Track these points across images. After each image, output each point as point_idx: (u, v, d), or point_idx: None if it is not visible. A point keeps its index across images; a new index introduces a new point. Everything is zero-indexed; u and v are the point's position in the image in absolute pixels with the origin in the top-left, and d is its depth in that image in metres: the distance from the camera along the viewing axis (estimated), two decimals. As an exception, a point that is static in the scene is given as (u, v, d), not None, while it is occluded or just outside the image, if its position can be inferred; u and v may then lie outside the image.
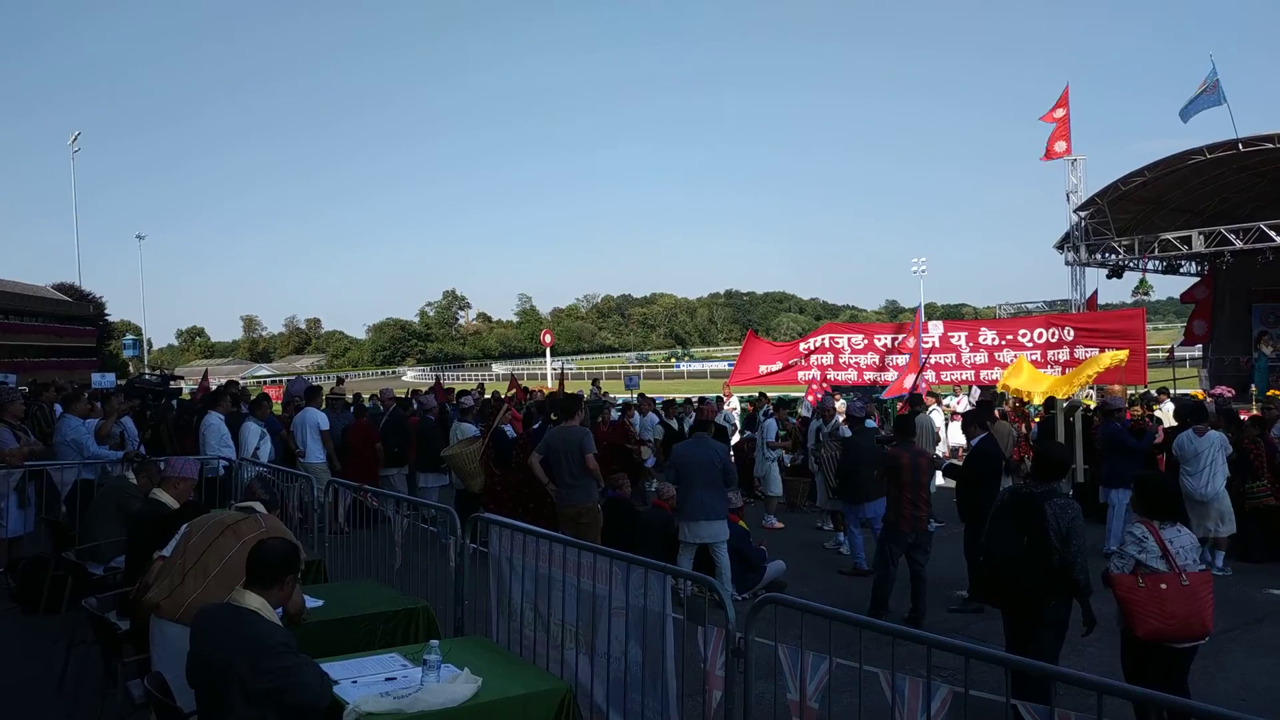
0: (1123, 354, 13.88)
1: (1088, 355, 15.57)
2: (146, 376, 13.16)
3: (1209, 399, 15.58)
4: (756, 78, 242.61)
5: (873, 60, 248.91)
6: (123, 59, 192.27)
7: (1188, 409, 10.60)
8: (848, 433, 11.56)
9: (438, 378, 35.84)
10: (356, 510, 6.98)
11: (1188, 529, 4.98)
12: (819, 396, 14.12)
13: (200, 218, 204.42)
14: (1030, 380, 13.34)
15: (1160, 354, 24.77)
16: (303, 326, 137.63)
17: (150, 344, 77.53)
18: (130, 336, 62.09)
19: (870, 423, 10.86)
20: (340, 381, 15.06)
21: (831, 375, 17.35)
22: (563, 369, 25.90)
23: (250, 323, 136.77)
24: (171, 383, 13.64)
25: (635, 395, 16.13)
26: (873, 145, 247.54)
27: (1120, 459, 9.96)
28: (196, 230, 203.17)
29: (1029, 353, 16.34)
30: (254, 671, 3.22)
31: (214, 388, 13.72)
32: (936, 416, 14.95)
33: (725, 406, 17.07)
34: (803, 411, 15.45)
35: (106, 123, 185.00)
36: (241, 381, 21.30)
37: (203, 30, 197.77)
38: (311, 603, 4.84)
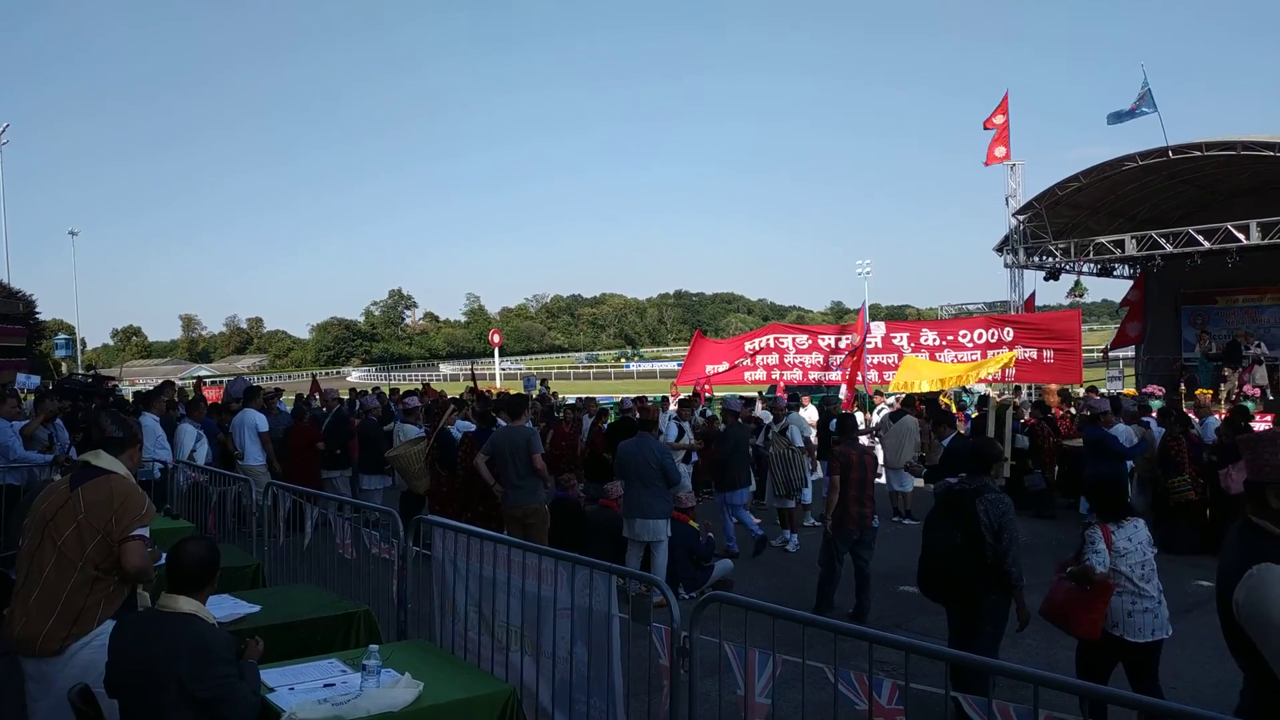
0: (1011, 355, 15.03)
1: (1026, 355, 15.98)
2: (78, 377, 12.72)
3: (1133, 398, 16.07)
4: (705, 82, 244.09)
5: (819, 66, 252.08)
6: (52, 47, 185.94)
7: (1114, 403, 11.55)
8: (797, 432, 11.70)
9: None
10: (296, 514, 6.83)
11: (1143, 522, 5.13)
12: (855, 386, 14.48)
13: (137, 214, 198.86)
14: (914, 373, 15.02)
15: (1095, 354, 25.45)
16: (244, 326, 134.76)
17: (84, 344, 75.20)
18: (63, 336, 60.09)
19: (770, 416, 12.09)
20: (278, 393, 14.79)
21: (777, 375, 17.52)
22: (539, 387, 24.60)
23: (189, 322, 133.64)
24: (107, 383, 13.19)
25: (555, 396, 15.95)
26: (819, 150, 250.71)
27: (1106, 465, 9.52)
28: (133, 227, 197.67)
29: (969, 353, 16.70)
30: (198, 676, 3.13)
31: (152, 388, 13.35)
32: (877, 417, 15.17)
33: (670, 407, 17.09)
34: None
35: (35, 114, 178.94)
36: (179, 383, 20.71)
37: (140, 18, 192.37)
38: (248, 608, 4.73)
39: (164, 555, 3.67)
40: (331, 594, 5.61)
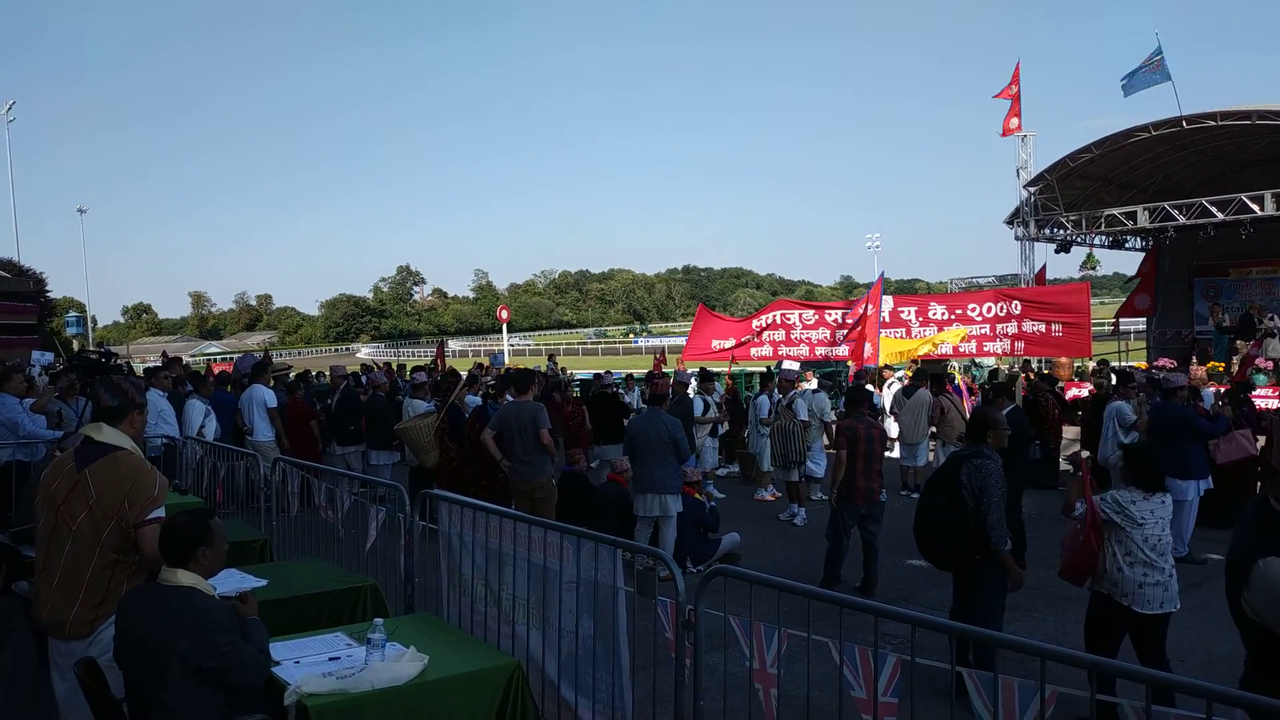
0: (962, 331, 15.25)
1: (1034, 329, 15.88)
2: (88, 353, 12.74)
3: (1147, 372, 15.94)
4: (714, 62, 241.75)
5: (828, 42, 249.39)
6: (57, 25, 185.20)
7: (1120, 378, 11.13)
8: (803, 406, 11.67)
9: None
10: (304, 489, 6.85)
11: (1170, 499, 5.12)
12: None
13: (145, 192, 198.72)
14: (893, 352, 15.66)
15: (1107, 327, 25.28)
16: (253, 303, 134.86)
17: (95, 321, 75.43)
18: (74, 314, 60.33)
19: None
20: (287, 369, 14.85)
21: (784, 351, 17.46)
22: (664, 349, 24.06)
23: (199, 299, 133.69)
24: (115, 359, 13.21)
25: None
26: (828, 124, 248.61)
27: (1186, 445, 8.78)
28: (142, 204, 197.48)
29: (978, 326, 16.60)
30: (199, 648, 3.15)
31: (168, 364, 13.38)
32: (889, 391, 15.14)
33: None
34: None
35: (41, 91, 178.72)
36: (189, 359, 20.80)
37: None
38: (255, 582, 4.75)
39: None
40: (338, 568, 5.63)
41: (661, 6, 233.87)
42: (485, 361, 20.26)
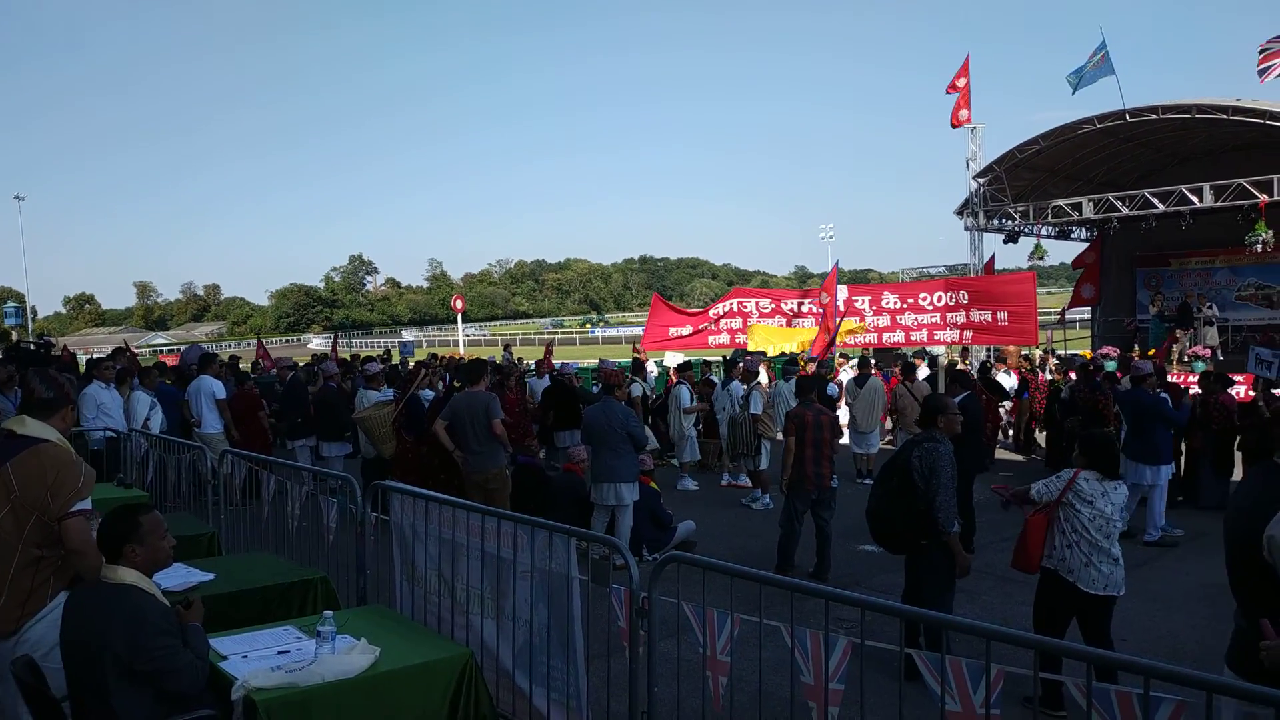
0: (850, 323, 15.79)
1: (981, 318, 16.18)
2: (26, 344, 12.38)
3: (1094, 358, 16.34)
4: (669, 47, 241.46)
5: (780, 36, 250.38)
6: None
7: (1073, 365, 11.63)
8: (758, 399, 11.77)
9: (334, 338, 34.14)
10: (252, 481, 6.73)
11: (1124, 485, 5.24)
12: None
13: (87, 179, 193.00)
14: (765, 339, 15.99)
15: (1054, 316, 25.81)
16: (200, 293, 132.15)
17: (35, 312, 73.32)
18: (12, 304, 58.66)
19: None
20: (235, 360, 14.64)
21: (741, 339, 17.57)
22: (554, 341, 24.74)
23: (144, 289, 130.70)
24: (52, 350, 12.86)
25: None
26: (782, 116, 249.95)
27: (1155, 431, 8.98)
28: (84, 192, 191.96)
29: (929, 314, 16.87)
30: (133, 650, 3.08)
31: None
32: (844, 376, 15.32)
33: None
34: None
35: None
36: (135, 350, 20.27)
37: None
38: (202, 576, 4.66)
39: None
40: (289, 561, 5.55)
41: (616, 11, 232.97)
42: (446, 353, 20.09)
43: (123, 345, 16.80)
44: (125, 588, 3.21)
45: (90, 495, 3.67)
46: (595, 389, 12.93)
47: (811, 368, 13.79)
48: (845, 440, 12.67)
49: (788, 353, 16.22)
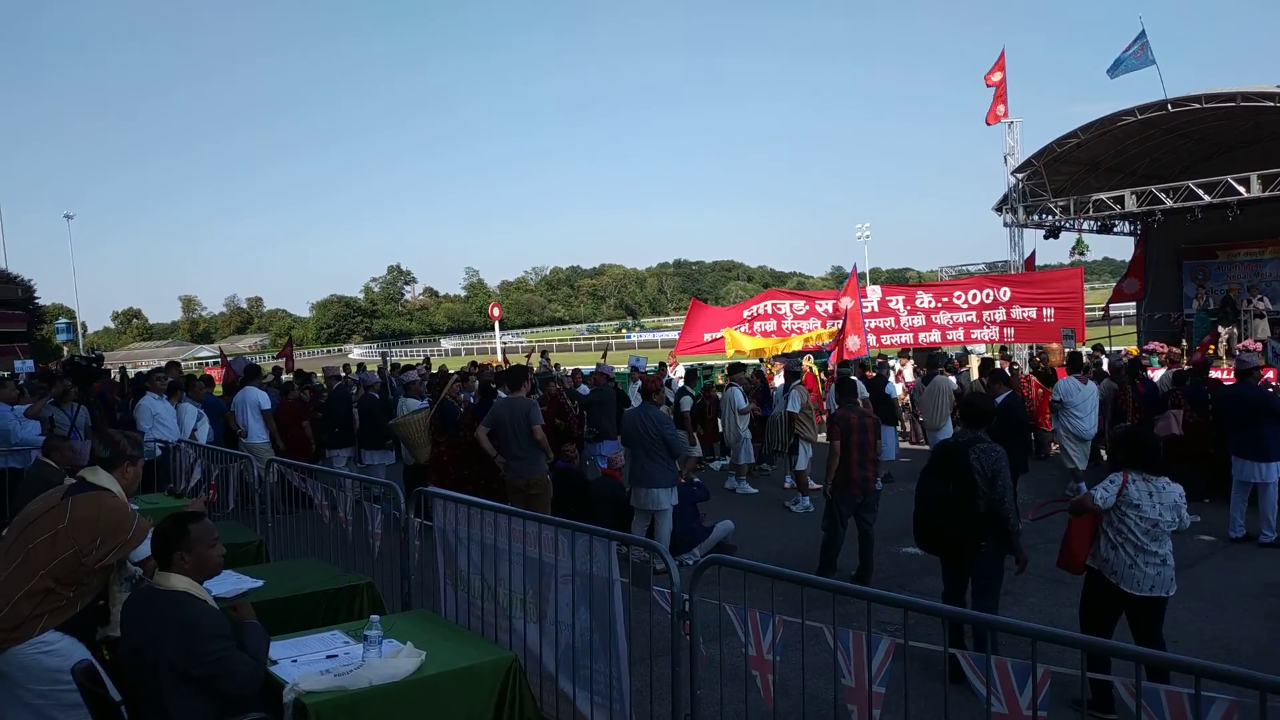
0: (822, 331, 15.61)
1: (1025, 315, 15.94)
2: (78, 359, 12.70)
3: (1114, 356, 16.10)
4: (702, 51, 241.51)
5: (816, 32, 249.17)
6: (44, 23, 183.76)
7: (1071, 359, 11.46)
8: (796, 397, 11.73)
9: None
10: (296, 490, 6.85)
11: (1174, 484, 5.06)
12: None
13: (133, 196, 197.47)
14: (736, 344, 16.00)
15: (1096, 313, 25.37)
16: (244, 306, 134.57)
17: (85, 327, 75.11)
18: (63, 320, 60.12)
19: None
20: (277, 372, 14.91)
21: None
22: (534, 347, 25.80)
23: (189, 303, 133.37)
24: (98, 364, 13.19)
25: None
26: (816, 114, 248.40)
27: (1263, 426, 8.61)
28: (130, 209, 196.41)
29: (965, 313, 16.67)
30: (186, 656, 3.15)
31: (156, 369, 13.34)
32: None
33: (671, 374, 17.23)
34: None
35: (25, 96, 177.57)
36: (182, 363, 20.71)
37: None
38: (251, 583, 4.75)
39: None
40: (335, 567, 5.64)
41: (648, 11, 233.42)
42: (482, 360, 20.32)
43: (174, 361, 17.19)
44: (177, 594, 3.29)
45: (141, 543, 3.81)
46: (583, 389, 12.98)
47: (778, 366, 13.99)
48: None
49: (762, 358, 16.23)
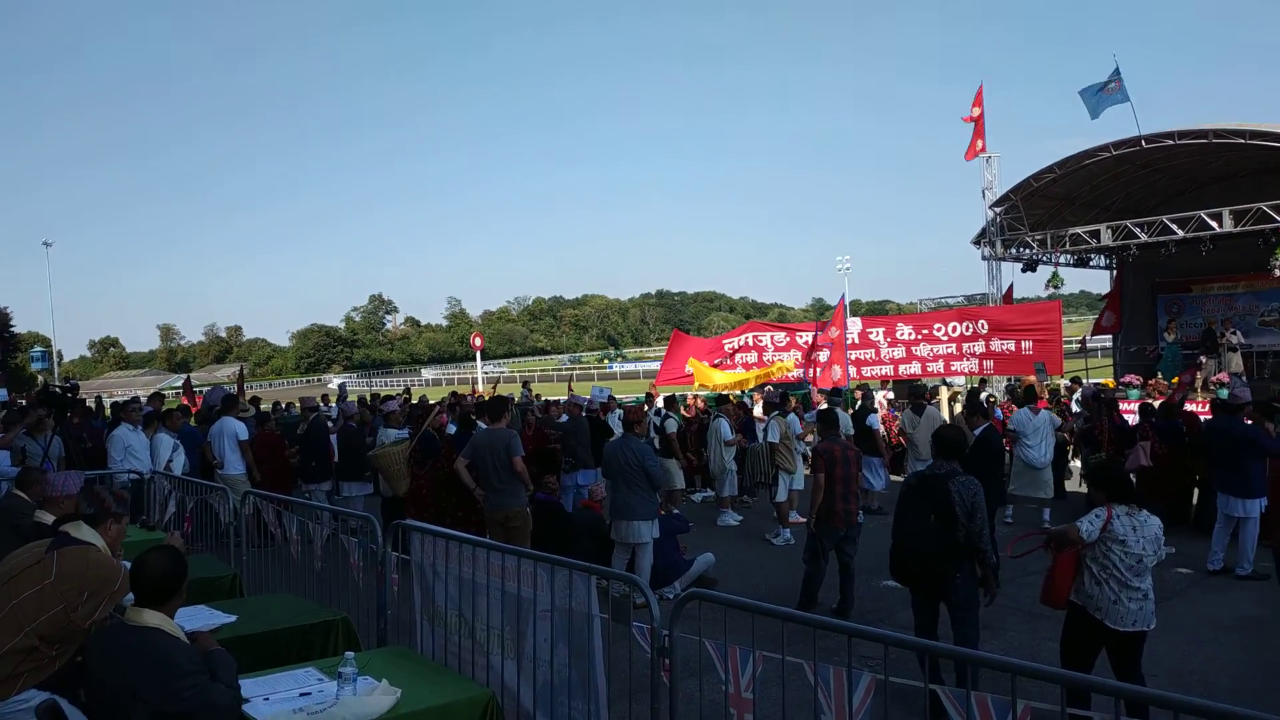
0: (784, 364, 15.65)
1: (1004, 348, 16.09)
2: (54, 388, 12.52)
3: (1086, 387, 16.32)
4: (681, 82, 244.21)
5: (796, 67, 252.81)
6: (20, 54, 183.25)
7: (1025, 392, 11.97)
8: (775, 427, 11.73)
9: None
10: (276, 523, 6.76)
11: (1153, 516, 5.09)
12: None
13: (112, 223, 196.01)
14: (703, 377, 16.27)
15: (1074, 345, 25.65)
16: (223, 335, 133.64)
17: (60, 356, 74.28)
18: (39, 348, 59.47)
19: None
20: (255, 402, 14.80)
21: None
22: (498, 377, 26.10)
23: (167, 332, 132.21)
24: (74, 393, 13.01)
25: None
26: (797, 147, 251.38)
27: (1248, 462, 8.61)
28: (108, 236, 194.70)
29: (945, 345, 16.81)
30: (164, 695, 3.09)
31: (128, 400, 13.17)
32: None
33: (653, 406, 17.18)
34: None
35: (5, 121, 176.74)
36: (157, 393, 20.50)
37: (110, 22, 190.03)
38: (223, 618, 4.67)
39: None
40: (310, 602, 5.55)
41: (629, 33, 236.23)
42: (463, 390, 20.27)
43: (158, 393, 17.04)
44: (149, 631, 3.22)
45: (126, 594, 3.70)
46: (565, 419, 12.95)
47: (758, 397, 14.08)
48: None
49: (730, 391, 16.36)
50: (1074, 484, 13.24)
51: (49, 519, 4.89)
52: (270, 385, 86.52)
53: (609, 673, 4.15)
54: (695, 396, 16.82)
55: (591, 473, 11.58)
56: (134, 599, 3.31)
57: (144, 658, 3.14)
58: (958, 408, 16.96)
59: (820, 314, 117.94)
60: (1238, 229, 17.54)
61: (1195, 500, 10.99)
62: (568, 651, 4.16)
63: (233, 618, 4.75)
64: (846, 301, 17.62)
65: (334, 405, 15.91)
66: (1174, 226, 18.48)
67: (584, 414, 12.77)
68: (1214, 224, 17.85)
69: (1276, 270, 16.96)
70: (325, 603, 5.59)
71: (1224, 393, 13.90)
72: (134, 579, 3.33)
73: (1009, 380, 18.88)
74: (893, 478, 13.48)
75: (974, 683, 5.06)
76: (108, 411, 14.38)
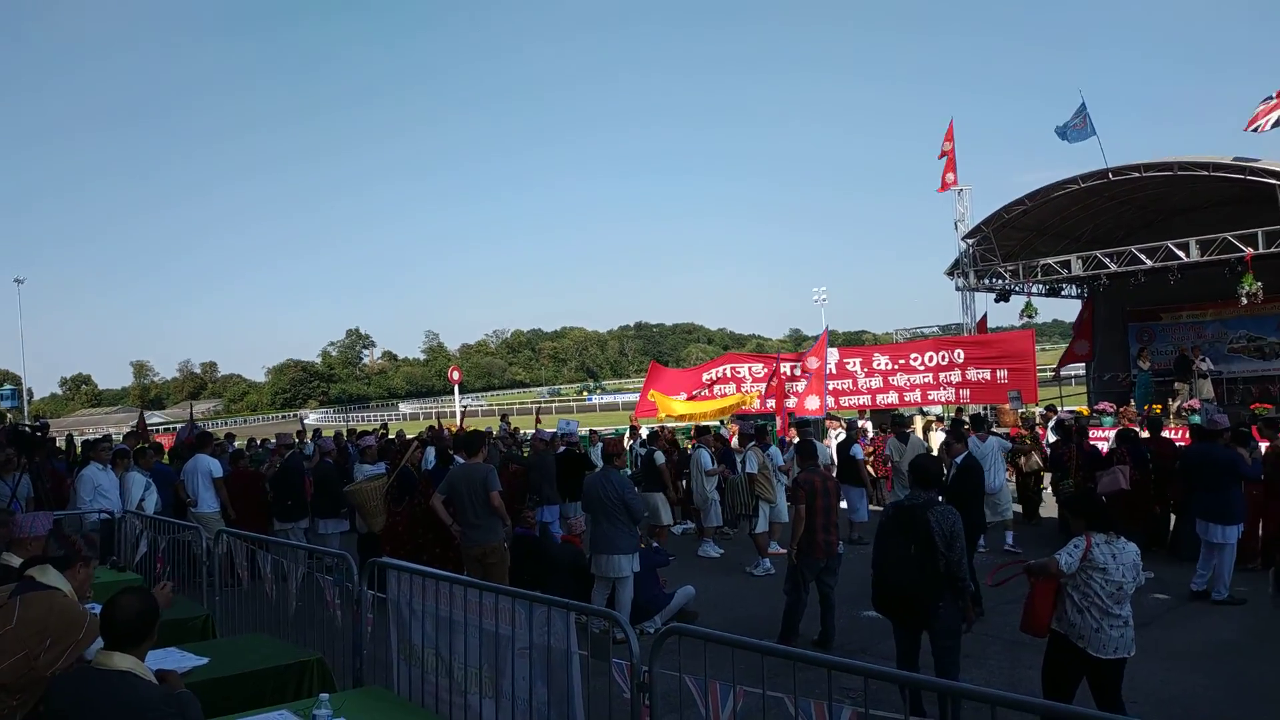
0: (738, 397, 16.64)
1: (979, 377, 16.23)
2: (22, 426, 12.33)
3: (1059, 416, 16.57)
4: (657, 113, 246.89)
5: (769, 101, 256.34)
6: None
7: (974, 420, 12.58)
8: (753, 459, 11.74)
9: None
10: (249, 562, 6.67)
11: (1130, 543, 5.13)
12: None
13: (83, 259, 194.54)
14: (665, 408, 16.58)
15: (1047, 373, 25.91)
16: (197, 371, 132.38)
17: (31, 393, 73.26)
18: (8, 386, 58.68)
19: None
20: (230, 439, 14.66)
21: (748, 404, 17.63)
22: (465, 408, 26.04)
23: (141, 368, 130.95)
24: (43, 432, 12.81)
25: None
26: (774, 178, 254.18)
27: (1228, 488, 8.74)
28: (82, 274, 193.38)
29: (921, 375, 16.94)
30: None
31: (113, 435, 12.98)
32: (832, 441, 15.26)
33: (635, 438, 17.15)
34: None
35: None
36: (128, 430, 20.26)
37: (80, 55, 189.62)
38: (195, 660, 4.58)
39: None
40: (285, 643, 5.46)
41: (606, 54, 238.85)
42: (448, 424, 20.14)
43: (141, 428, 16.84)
44: (121, 675, 3.15)
45: (92, 644, 3.62)
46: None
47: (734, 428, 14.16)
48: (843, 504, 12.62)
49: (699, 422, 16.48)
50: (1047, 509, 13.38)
51: (16, 561, 4.73)
52: (245, 422, 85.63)
53: (589, 710, 4.10)
54: (664, 428, 16.82)
55: (555, 508, 11.49)
56: (103, 643, 3.24)
57: (115, 701, 3.06)
58: (934, 436, 17.11)
59: (798, 344, 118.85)
60: (1204, 258, 17.87)
61: (1173, 526, 11.13)
62: (546, 689, 4.11)
63: (204, 660, 4.66)
64: (818, 333, 17.78)
65: (310, 443, 15.73)
66: (1143, 256, 18.81)
67: (563, 447, 12.72)
68: (1181, 254, 18.19)
69: (1244, 298, 17.24)
70: (300, 643, 5.50)
71: (1195, 419, 14.10)
72: (105, 621, 3.25)
73: (985, 409, 19.05)
74: (872, 508, 13.52)
75: (955, 714, 5.06)
76: (79, 450, 14.15)
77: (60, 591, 3.79)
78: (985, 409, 18.63)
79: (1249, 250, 16.97)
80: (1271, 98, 16.36)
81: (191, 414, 25.38)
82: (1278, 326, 20.76)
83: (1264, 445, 10.45)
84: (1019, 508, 13.23)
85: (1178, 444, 12.07)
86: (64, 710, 3.15)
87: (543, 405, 76.56)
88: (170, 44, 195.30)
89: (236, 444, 15.22)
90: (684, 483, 13.55)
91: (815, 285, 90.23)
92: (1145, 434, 12.06)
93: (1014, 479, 13.59)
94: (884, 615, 5.95)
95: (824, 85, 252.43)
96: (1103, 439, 14.06)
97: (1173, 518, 11.21)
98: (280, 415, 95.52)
